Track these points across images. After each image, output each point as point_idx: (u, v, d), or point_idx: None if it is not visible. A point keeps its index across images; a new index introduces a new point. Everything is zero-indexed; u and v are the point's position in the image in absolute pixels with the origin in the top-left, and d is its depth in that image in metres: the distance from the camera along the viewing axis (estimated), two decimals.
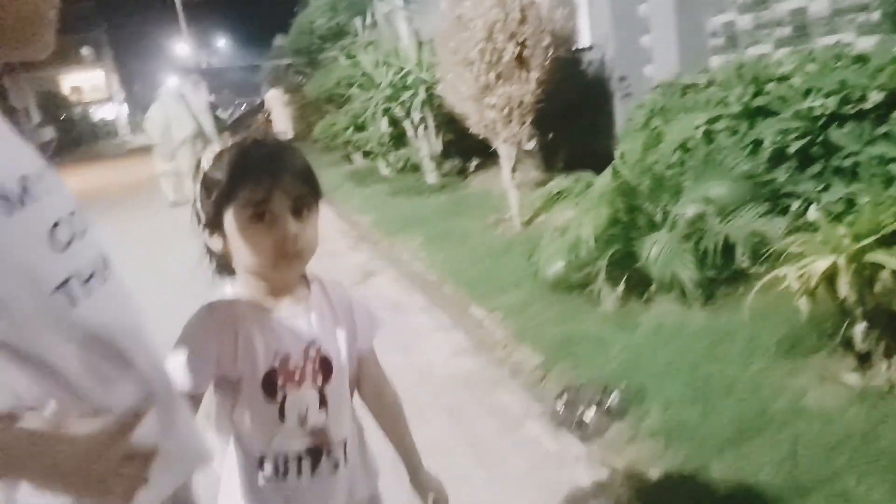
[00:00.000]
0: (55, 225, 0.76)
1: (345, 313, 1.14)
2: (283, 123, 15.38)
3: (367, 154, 9.55)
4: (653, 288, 2.87)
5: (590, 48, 5.65)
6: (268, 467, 1.07)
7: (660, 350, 2.58)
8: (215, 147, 1.06)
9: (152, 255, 5.58)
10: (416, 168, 7.63)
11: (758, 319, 2.49)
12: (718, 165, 3.08)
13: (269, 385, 1.03)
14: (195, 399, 1.00)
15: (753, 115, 3.40)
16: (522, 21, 4.44)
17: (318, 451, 1.09)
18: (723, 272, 2.82)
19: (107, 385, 0.76)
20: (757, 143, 3.23)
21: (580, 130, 5.44)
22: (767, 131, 3.20)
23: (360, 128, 8.78)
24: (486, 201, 5.87)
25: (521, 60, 4.51)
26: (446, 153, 7.25)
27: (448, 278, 4.21)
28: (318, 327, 1.08)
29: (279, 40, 15.83)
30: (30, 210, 0.73)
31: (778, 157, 3.15)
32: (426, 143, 7.13)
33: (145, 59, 53.24)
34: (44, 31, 0.78)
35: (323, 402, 1.07)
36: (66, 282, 0.75)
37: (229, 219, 0.99)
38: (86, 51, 49.73)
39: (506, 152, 4.82)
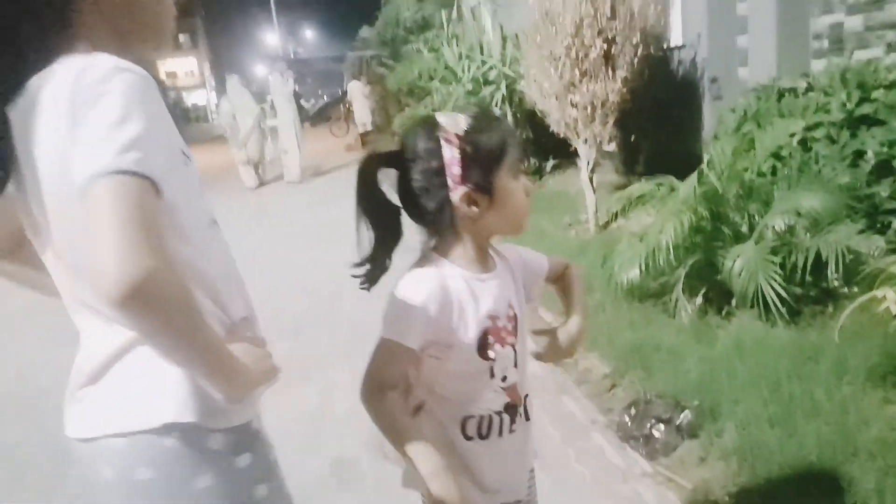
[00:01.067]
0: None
1: (519, 269, 1.21)
2: (363, 115, 15.62)
3: None
4: (734, 301, 2.73)
5: (682, 47, 5.44)
6: (471, 427, 1.12)
7: (738, 366, 2.45)
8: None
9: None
10: None
11: (849, 341, 2.33)
12: (814, 176, 2.90)
13: (483, 346, 1.08)
14: (409, 353, 1.05)
15: (857, 123, 3.19)
16: (612, 17, 4.32)
17: (513, 408, 1.14)
18: (811, 290, 2.65)
19: (231, 301, 0.97)
20: (858, 154, 3.03)
21: (665, 133, 5.26)
22: (871, 142, 2.99)
23: None
24: (561, 202, 5.77)
25: (608, 58, 4.40)
26: (523, 151, 7.18)
27: None
28: (509, 287, 1.15)
29: (364, 31, 16.08)
30: (191, 166, 0.94)
31: (881, 170, 2.94)
32: None
33: (237, 47, 55.34)
34: (171, 30, 0.98)
35: (516, 358, 1.13)
36: (213, 220, 0.98)
37: (500, 180, 1.06)
38: (182, 38, 52.08)
39: (585, 152, 4.71)
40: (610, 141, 4.73)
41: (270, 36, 41.13)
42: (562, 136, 4.81)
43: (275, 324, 3.94)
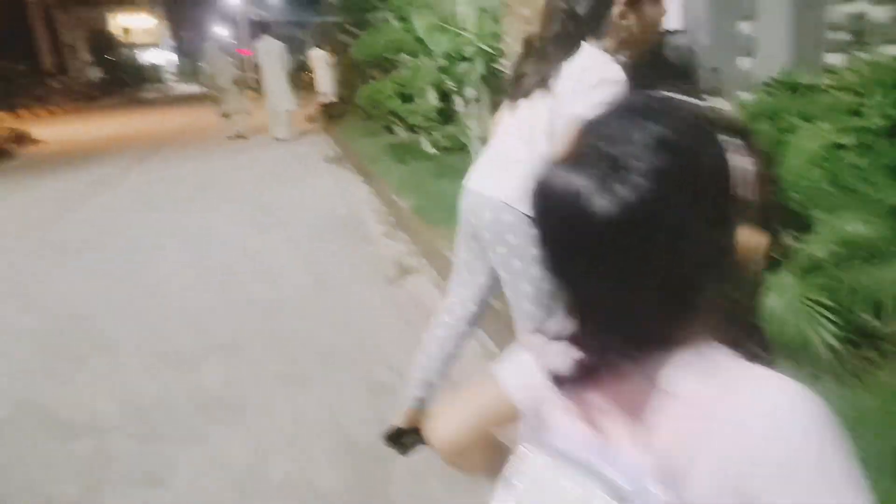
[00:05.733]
0: None
1: None
2: (325, 85, 14.88)
3: (410, 127, 8.98)
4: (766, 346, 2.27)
5: (678, 31, 4.94)
6: None
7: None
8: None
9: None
10: (463, 148, 7.02)
11: None
12: (856, 194, 2.43)
13: None
14: None
15: (893, 130, 2.75)
16: None
17: None
18: (858, 334, 2.20)
19: None
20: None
21: None
22: None
23: (407, 98, 8.19)
24: None
25: None
26: None
27: None
28: None
29: None
30: None
31: None
32: (477, 123, 6.50)
33: (196, 7, 52.96)
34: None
35: None
36: None
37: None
38: None
39: None
40: None
41: None
42: None
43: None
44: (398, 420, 2.19)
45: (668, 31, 5.24)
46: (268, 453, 2.36)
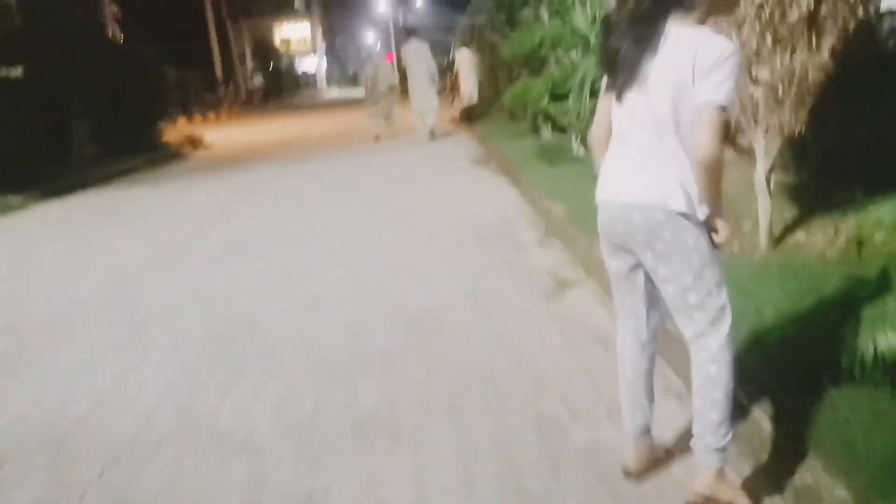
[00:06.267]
0: None
1: None
2: (469, 86, 14.79)
3: (558, 127, 8.58)
4: None
5: (892, 13, 4.18)
6: None
7: None
8: None
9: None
10: None
11: None
12: None
13: None
14: None
15: None
16: None
17: None
18: None
19: None
20: None
21: (855, 119, 4.05)
22: None
23: (559, 97, 7.81)
24: None
25: (811, 20, 3.28)
26: None
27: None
28: None
29: None
30: None
31: None
32: None
33: (349, 15, 55.60)
34: None
35: None
36: None
37: None
38: (297, 3, 52.93)
39: (764, 145, 3.63)
40: (799, 130, 3.61)
41: (381, 3, 40.65)
42: (732, 123, 3.73)
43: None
44: (630, 461, 2.06)
45: (880, 13, 4.47)
46: (430, 490, 2.12)
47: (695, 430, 1.86)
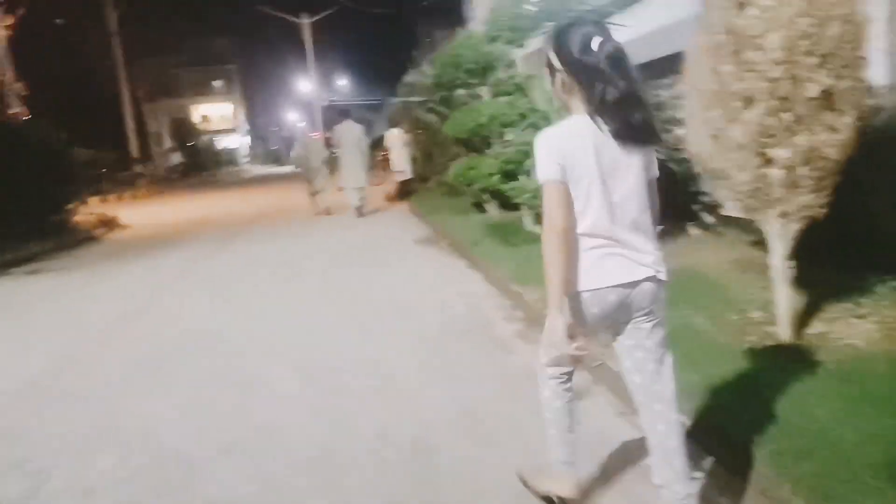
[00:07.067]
0: None
1: None
2: (401, 163, 14.64)
3: (507, 205, 8.27)
4: None
5: (888, 87, 4.06)
6: None
7: None
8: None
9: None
10: None
11: None
12: None
13: None
14: None
15: None
16: (842, 40, 2.95)
17: None
18: None
19: None
20: None
21: (869, 204, 3.83)
22: None
23: (511, 176, 7.51)
24: (709, 288, 4.32)
25: (828, 95, 3.02)
26: None
27: (691, 407, 2.71)
28: None
29: (410, 76, 15.09)
30: None
31: None
32: None
33: (270, 94, 55.60)
34: None
35: None
36: None
37: None
38: (218, 83, 52.62)
39: (779, 230, 3.30)
40: (817, 212, 3.29)
41: (304, 83, 40.79)
42: (741, 207, 3.40)
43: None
44: None
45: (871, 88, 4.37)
46: None
47: None
